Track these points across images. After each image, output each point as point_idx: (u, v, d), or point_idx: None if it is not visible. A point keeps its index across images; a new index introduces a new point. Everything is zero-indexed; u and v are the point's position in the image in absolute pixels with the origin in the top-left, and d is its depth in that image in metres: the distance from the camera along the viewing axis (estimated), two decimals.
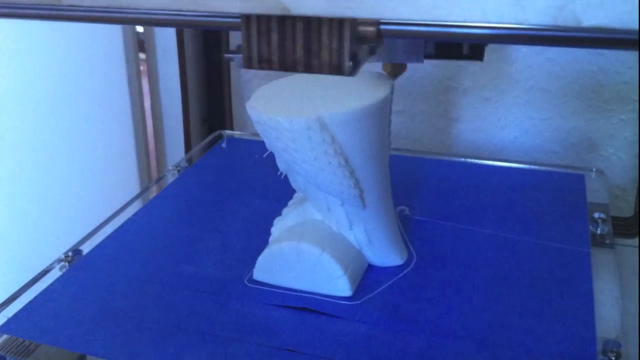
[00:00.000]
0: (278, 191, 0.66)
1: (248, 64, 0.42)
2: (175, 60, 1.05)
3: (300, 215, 0.62)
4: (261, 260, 0.61)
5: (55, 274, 0.64)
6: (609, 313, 0.56)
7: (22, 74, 0.99)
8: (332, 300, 0.58)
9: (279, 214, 0.65)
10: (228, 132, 0.94)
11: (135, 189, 1.09)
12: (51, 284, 0.62)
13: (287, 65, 0.41)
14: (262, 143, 0.58)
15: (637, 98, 0.91)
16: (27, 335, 0.55)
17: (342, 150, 0.55)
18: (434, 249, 0.65)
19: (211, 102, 1.08)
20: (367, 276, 0.61)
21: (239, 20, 0.41)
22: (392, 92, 0.58)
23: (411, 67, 0.99)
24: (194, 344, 0.54)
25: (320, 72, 0.40)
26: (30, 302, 0.59)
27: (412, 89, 1.01)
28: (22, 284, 0.62)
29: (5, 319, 0.57)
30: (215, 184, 0.80)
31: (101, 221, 0.72)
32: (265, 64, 0.41)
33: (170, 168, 0.84)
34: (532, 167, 0.81)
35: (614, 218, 0.71)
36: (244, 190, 0.78)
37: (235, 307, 0.58)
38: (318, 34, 0.39)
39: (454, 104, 1.00)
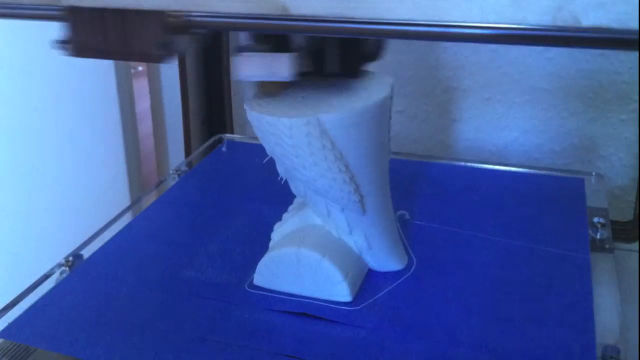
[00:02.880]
0: (278, 195, 0.66)
1: (75, 53, 0.45)
2: (175, 60, 1.05)
3: (300, 221, 0.62)
4: (261, 265, 0.61)
5: (54, 278, 0.64)
6: (608, 318, 0.56)
7: (6, 77, 0.98)
8: (332, 305, 0.58)
9: (279, 218, 0.65)
10: (228, 135, 0.94)
11: (125, 193, 1.09)
12: (52, 289, 0.62)
13: (106, 54, 0.44)
14: (262, 146, 0.58)
15: (637, 98, 0.91)
16: (27, 341, 0.55)
17: (342, 155, 0.55)
18: (433, 254, 0.65)
19: (211, 102, 1.08)
20: (367, 281, 0.61)
21: (64, 11, 0.44)
22: (392, 93, 0.58)
23: (411, 66, 0.99)
24: (194, 349, 0.54)
25: (135, 60, 0.44)
26: (30, 307, 0.60)
27: (412, 89, 1.01)
28: (23, 288, 0.62)
29: (5, 324, 0.58)
30: (215, 188, 0.81)
31: (100, 225, 0.72)
32: (89, 52, 0.45)
33: (171, 172, 0.84)
34: (532, 171, 0.81)
35: (613, 222, 0.71)
36: (244, 195, 0.78)
37: (235, 313, 0.58)
38: (131, 24, 0.43)
39: (454, 104, 1.00)
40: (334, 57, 0.56)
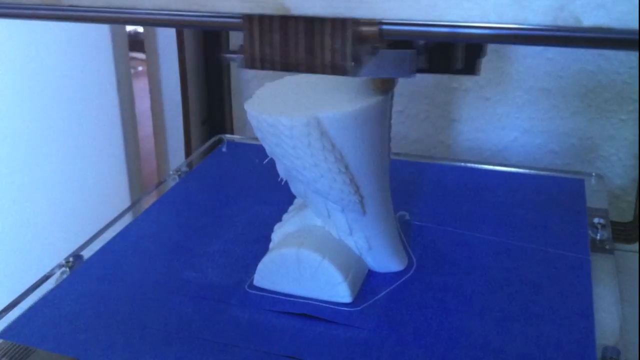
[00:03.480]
0: (278, 196, 0.66)
1: (250, 65, 0.42)
2: (175, 60, 1.05)
3: (300, 221, 0.62)
4: (261, 266, 0.61)
5: (54, 278, 0.64)
6: (608, 319, 0.56)
7: (5, 77, 0.98)
8: (333, 306, 0.58)
9: (279, 219, 0.65)
10: (228, 136, 0.94)
11: (125, 193, 1.09)
12: (52, 290, 0.62)
13: (289, 66, 0.41)
14: (263, 147, 0.58)
15: (637, 98, 0.91)
16: (27, 341, 0.55)
17: (342, 156, 0.55)
18: (434, 255, 0.65)
19: (211, 102, 1.08)
20: (368, 282, 0.62)
21: (239, 20, 0.41)
22: (392, 93, 0.58)
23: None
24: (195, 350, 0.54)
25: (323, 72, 0.40)
26: (30, 308, 0.60)
27: (412, 89, 1.01)
28: (23, 289, 0.62)
29: (6, 325, 0.58)
30: (215, 189, 0.81)
31: (100, 226, 0.72)
32: (267, 64, 0.41)
33: (171, 173, 0.84)
34: (532, 172, 0.81)
35: (613, 223, 0.71)
36: (245, 195, 0.78)
37: (235, 313, 0.58)
38: (320, 34, 0.39)
39: (454, 104, 1.00)
40: (458, 54, 0.55)
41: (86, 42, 1.02)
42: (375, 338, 0.55)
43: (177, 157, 1.12)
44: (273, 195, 0.75)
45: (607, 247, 0.66)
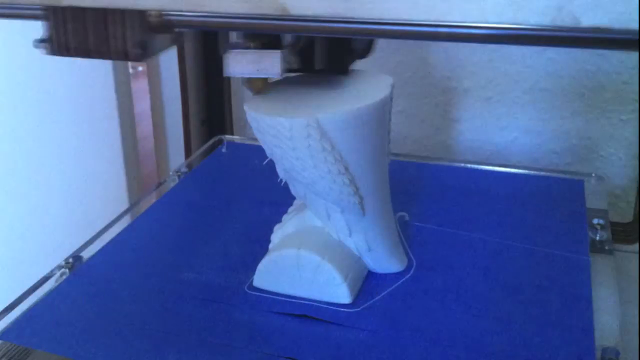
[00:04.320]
0: (278, 197, 0.66)
1: (55, 52, 0.46)
2: (175, 60, 1.05)
3: (300, 223, 0.62)
4: (261, 267, 0.61)
5: (54, 280, 0.64)
6: (608, 320, 0.56)
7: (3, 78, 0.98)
8: (332, 307, 0.58)
9: (279, 220, 0.65)
10: (228, 136, 0.94)
11: (124, 194, 1.09)
12: (52, 291, 0.62)
13: (84, 52, 0.45)
14: (262, 148, 0.58)
15: (637, 98, 0.91)
16: (27, 342, 0.55)
17: (341, 157, 0.55)
18: (433, 256, 0.65)
19: (211, 102, 1.08)
20: (367, 283, 0.62)
21: (44, 11, 0.45)
22: (392, 93, 0.58)
23: (411, 67, 0.99)
24: (194, 351, 0.54)
25: (111, 58, 0.44)
26: (30, 309, 0.60)
27: (412, 89, 1.01)
28: (23, 290, 0.62)
29: (5, 326, 0.58)
30: (215, 190, 0.81)
31: (100, 227, 0.72)
32: (65, 51, 0.45)
33: (171, 173, 0.84)
34: (532, 172, 0.81)
35: (613, 224, 0.71)
36: (244, 196, 0.78)
37: (235, 314, 0.58)
38: (112, 24, 0.43)
39: (454, 104, 1.00)
40: (323, 54, 0.56)
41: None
42: (374, 339, 0.55)
43: (177, 157, 1.12)
44: (273, 196, 0.75)
45: (607, 247, 0.66)
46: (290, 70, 0.53)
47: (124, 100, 1.06)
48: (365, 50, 0.59)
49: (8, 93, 0.97)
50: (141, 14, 0.42)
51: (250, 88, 0.57)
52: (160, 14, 0.42)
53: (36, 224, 1.03)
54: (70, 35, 0.44)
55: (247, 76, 0.54)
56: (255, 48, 0.51)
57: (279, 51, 0.51)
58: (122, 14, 0.43)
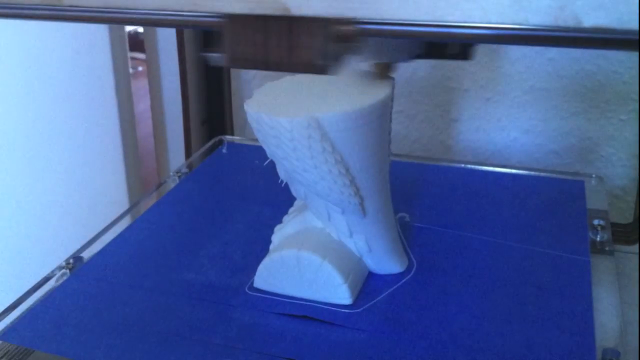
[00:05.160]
0: (279, 197, 0.66)
1: (231, 63, 0.42)
2: (175, 60, 1.05)
3: (300, 223, 0.62)
4: (262, 268, 0.61)
5: (55, 280, 0.64)
6: (608, 321, 0.56)
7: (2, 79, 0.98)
8: (333, 308, 0.58)
9: (279, 220, 0.65)
10: (228, 137, 0.94)
11: (124, 195, 1.09)
12: (52, 291, 0.62)
13: (270, 65, 0.41)
14: (263, 148, 0.58)
15: (637, 98, 0.91)
16: (28, 343, 0.55)
17: (342, 158, 0.55)
18: (433, 256, 0.65)
19: (211, 102, 1.08)
20: (368, 284, 0.62)
21: (221, 19, 0.41)
22: (392, 93, 0.58)
23: (411, 67, 0.99)
24: (195, 351, 0.54)
25: (301, 71, 0.41)
26: (31, 309, 0.60)
27: (412, 89, 1.01)
28: (23, 291, 0.62)
29: (6, 326, 0.58)
30: (215, 191, 0.81)
31: (100, 227, 0.72)
32: (248, 63, 0.42)
33: (171, 174, 0.84)
34: (532, 173, 0.81)
35: (613, 224, 0.71)
36: (245, 197, 0.78)
37: (235, 315, 0.58)
38: (298, 33, 0.40)
39: (454, 104, 1.00)
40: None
41: (84, 43, 1.01)
42: (375, 340, 0.55)
43: (177, 157, 1.12)
44: (273, 197, 0.75)
45: (607, 248, 0.66)
46: (418, 56, 0.54)
47: (124, 100, 1.06)
48: None
49: (8, 94, 0.97)
50: (328, 23, 0.39)
51: (377, 71, 0.59)
52: (350, 21, 0.39)
53: (37, 225, 1.03)
54: (248, 46, 0.41)
55: (378, 61, 0.56)
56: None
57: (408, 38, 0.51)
58: (307, 23, 0.40)
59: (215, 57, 0.43)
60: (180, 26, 0.50)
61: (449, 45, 0.55)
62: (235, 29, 0.41)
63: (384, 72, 0.59)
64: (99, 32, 1.01)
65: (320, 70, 0.40)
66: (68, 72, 1.01)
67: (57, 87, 1.01)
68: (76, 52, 1.01)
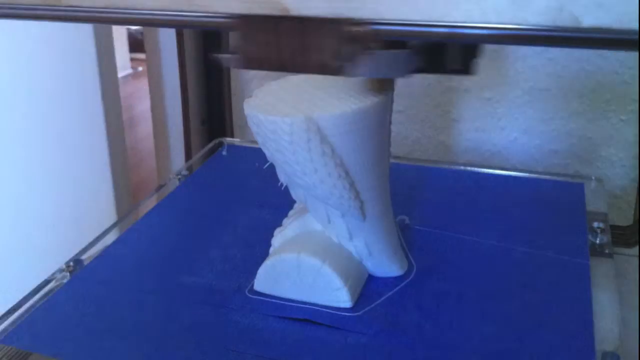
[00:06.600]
0: (279, 200, 0.66)
1: (245, 65, 0.43)
2: (175, 60, 1.05)
3: (300, 226, 0.62)
4: (262, 271, 0.61)
5: (55, 283, 0.64)
6: (608, 324, 0.56)
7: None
8: (333, 311, 0.58)
9: (279, 223, 0.65)
10: (228, 139, 0.94)
11: (110, 198, 1.08)
12: (52, 294, 0.62)
13: (283, 66, 0.42)
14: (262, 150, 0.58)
15: (637, 98, 0.91)
16: (27, 346, 0.55)
17: (342, 161, 0.55)
18: (433, 259, 0.65)
19: (211, 103, 1.08)
20: (367, 287, 0.62)
21: (234, 20, 0.41)
22: (392, 93, 0.58)
23: None
24: (195, 355, 0.54)
25: (315, 72, 0.41)
26: (31, 313, 0.60)
27: (412, 89, 1.01)
28: (23, 294, 0.62)
29: (6, 330, 0.58)
30: (215, 193, 0.81)
31: (100, 230, 0.72)
32: (262, 64, 0.42)
33: (171, 177, 0.84)
34: (532, 175, 0.81)
35: (613, 227, 0.71)
36: (245, 199, 0.78)
37: (235, 318, 0.58)
38: (312, 34, 0.40)
39: (454, 104, 1.00)
40: (455, 54, 0.55)
41: (69, 46, 0.99)
42: (375, 343, 0.55)
43: (177, 155, 1.12)
44: (273, 200, 0.75)
45: (607, 251, 0.66)
46: (418, 71, 0.53)
47: (110, 106, 1.05)
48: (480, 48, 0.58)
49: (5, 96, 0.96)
50: (341, 24, 0.39)
51: (374, 88, 0.58)
52: (365, 22, 0.39)
53: (37, 228, 1.03)
54: (262, 47, 0.41)
55: (377, 77, 0.55)
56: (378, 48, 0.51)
57: (406, 52, 0.50)
58: (320, 24, 0.40)
59: (228, 59, 0.43)
60: (181, 26, 0.50)
61: (449, 60, 0.54)
62: (248, 30, 0.41)
63: (381, 87, 0.58)
64: (84, 33, 0.99)
65: (335, 71, 0.40)
66: (54, 75, 1.00)
67: (43, 92, 1.00)
68: (61, 56, 0.99)
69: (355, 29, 0.39)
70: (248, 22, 0.41)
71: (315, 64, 0.41)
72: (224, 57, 0.44)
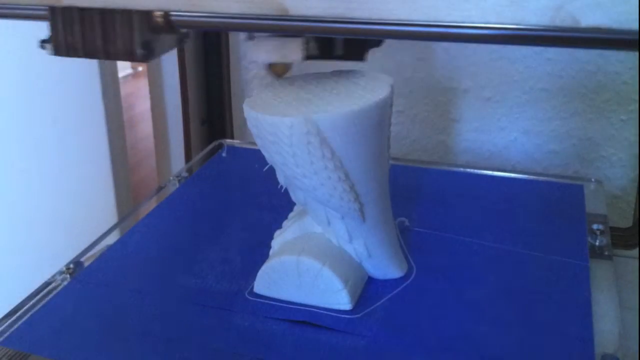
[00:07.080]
0: (279, 201, 0.66)
1: (57, 52, 0.46)
2: (175, 60, 1.05)
3: (300, 229, 0.62)
4: (262, 273, 0.61)
5: (55, 285, 0.64)
6: (607, 326, 0.56)
7: None
8: (332, 313, 0.59)
9: (279, 225, 0.65)
10: (228, 141, 0.94)
11: (111, 198, 1.08)
12: (52, 296, 0.62)
13: (89, 53, 0.45)
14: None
15: (637, 98, 0.91)
16: (28, 348, 0.55)
17: (341, 164, 0.55)
18: (433, 261, 0.65)
19: (211, 103, 1.08)
20: (367, 289, 0.62)
21: (45, 11, 0.45)
22: (392, 93, 0.58)
23: (411, 67, 0.99)
24: (195, 357, 0.54)
25: (117, 59, 0.45)
26: (31, 315, 0.60)
27: (412, 89, 1.01)
28: (23, 296, 0.62)
29: (6, 332, 0.58)
30: (215, 195, 0.81)
31: (99, 233, 0.72)
32: (72, 52, 0.46)
33: (171, 178, 0.84)
34: (532, 177, 0.81)
35: (612, 229, 0.71)
36: (245, 201, 0.78)
37: (235, 320, 0.58)
38: (112, 24, 0.44)
39: (454, 104, 1.00)
40: (341, 42, 0.57)
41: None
42: (375, 345, 0.55)
43: (177, 156, 1.12)
44: (273, 202, 0.75)
45: (607, 253, 0.66)
46: (310, 57, 0.55)
47: (111, 106, 1.04)
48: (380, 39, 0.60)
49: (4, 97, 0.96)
50: (147, 15, 0.43)
51: (272, 73, 0.59)
52: (166, 14, 0.43)
53: (37, 230, 1.03)
54: (76, 36, 0.45)
55: (271, 62, 0.57)
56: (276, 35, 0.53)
57: (300, 38, 0.53)
58: (128, 14, 0.43)
59: (47, 47, 0.47)
60: (181, 26, 0.51)
61: (336, 46, 0.57)
62: (59, 21, 0.45)
63: (281, 73, 0.59)
64: None
65: (141, 58, 0.44)
66: (54, 76, 0.99)
67: (41, 94, 0.99)
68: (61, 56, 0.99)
69: (157, 19, 0.43)
70: (61, 13, 0.45)
71: (122, 52, 0.44)
72: (45, 45, 0.47)
